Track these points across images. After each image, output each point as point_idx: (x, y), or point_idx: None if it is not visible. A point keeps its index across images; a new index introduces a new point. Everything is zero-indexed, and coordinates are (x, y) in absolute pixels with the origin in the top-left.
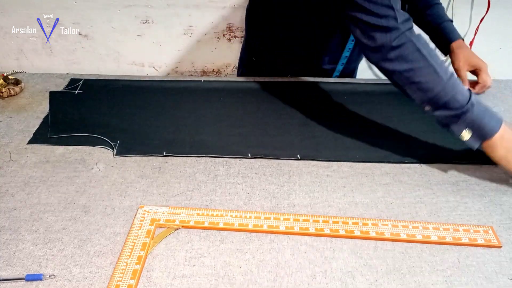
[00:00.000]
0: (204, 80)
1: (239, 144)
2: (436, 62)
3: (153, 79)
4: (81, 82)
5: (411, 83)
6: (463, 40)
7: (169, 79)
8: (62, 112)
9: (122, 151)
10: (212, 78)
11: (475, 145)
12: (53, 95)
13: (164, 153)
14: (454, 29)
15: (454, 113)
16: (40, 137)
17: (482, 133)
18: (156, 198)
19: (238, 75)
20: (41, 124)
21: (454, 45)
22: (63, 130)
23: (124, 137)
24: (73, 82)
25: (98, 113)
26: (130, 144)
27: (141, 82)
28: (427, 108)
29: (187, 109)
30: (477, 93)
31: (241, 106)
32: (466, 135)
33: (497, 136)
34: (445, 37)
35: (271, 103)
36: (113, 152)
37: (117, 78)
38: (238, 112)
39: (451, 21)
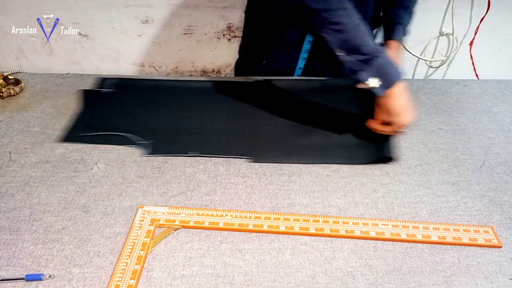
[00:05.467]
0: (204, 80)
1: (239, 144)
2: (348, 7)
3: (153, 78)
4: (106, 81)
5: (327, 24)
6: (400, 43)
7: (169, 79)
8: (88, 111)
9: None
10: (212, 78)
11: (381, 92)
12: (85, 94)
13: (165, 153)
14: (401, 33)
15: (364, 58)
16: (70, 134)
17: (388, 79)
18: (156, 198)
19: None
20: (76, 122)
21: (389, 44)
22: (87, 129)
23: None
24: (100, 81)
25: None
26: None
27: (140, 82)
28: (339, 52)
29: (187, 109)
30: None
31: (241, 106)
32: (373, 82)
33: (400, 84)
34: (388, 35)
35: (271, 103)
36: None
37: (122, 77)
38: (238, 112)
39: (404, 26)
